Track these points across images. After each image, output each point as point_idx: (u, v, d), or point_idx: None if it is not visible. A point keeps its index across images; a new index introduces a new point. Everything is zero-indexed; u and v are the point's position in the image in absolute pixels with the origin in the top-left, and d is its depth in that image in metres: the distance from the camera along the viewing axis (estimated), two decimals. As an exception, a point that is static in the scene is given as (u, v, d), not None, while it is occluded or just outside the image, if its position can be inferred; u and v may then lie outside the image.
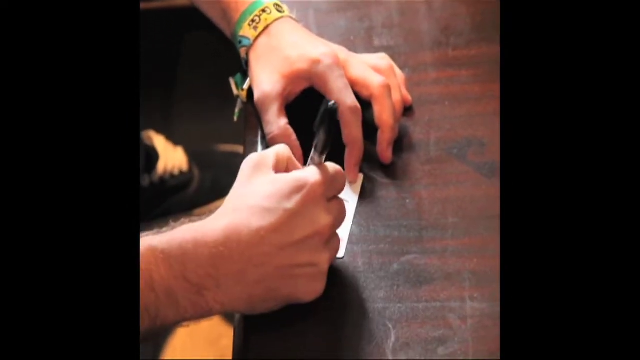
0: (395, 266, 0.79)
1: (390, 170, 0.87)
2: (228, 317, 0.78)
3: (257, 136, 0.90)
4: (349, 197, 0.77)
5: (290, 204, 0.72)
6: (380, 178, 0.86)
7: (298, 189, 0.72)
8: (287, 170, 0.76)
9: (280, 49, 0.88)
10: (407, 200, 0.84)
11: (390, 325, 0.75)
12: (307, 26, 0.95)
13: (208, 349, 1.52)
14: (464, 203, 0.83)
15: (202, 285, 0.70)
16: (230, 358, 0.77)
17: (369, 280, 0.78)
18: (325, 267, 0.74)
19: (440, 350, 0.74)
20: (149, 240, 0.71)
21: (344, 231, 0.80)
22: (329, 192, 0.75)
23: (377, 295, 0.77)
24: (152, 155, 1.63)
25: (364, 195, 0.85)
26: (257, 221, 0.71)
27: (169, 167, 1.63)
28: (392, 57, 0.93)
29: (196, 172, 1.68)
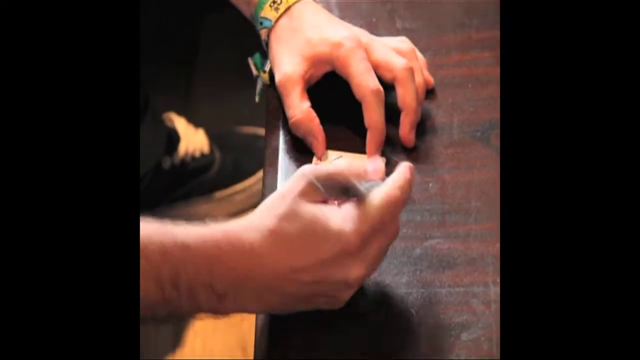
0: (417, 251, 0.79)
1: (413, 154, 0.86)
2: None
3: (279, 119, 0.90)
4: (375, 183, 0.76)
5: (324, 254, 0.70)
6: (402, 162, 0.85)
7: (334, 244, 0.70)
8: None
9: (302, 31, 0.87)
10: (430, 184, 0.83)
11: (413, 311, 0.75)
12: (329, 8, 0.94)
13: (229, 332, 1.52)
14: (487, 187, 0.83)
15: (224, 295, 0.70)
16: (252, 341, 0.77)
17: (391, 266, 0.78)
18: (345, 299, 0.73)
19: (464, 336, 0.73)
20: (182, 238, 0.69)
21: None
22: (369, 245, 0.71)
23: (399, 281, 0.77)
24: (173, 137, 1.62)
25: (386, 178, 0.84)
26: (289, 259, 0.70)
27: (190, 149, 1.63)
28: (415, 39, 0.92)
29: (217, 154, 1.67)
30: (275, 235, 0.70)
